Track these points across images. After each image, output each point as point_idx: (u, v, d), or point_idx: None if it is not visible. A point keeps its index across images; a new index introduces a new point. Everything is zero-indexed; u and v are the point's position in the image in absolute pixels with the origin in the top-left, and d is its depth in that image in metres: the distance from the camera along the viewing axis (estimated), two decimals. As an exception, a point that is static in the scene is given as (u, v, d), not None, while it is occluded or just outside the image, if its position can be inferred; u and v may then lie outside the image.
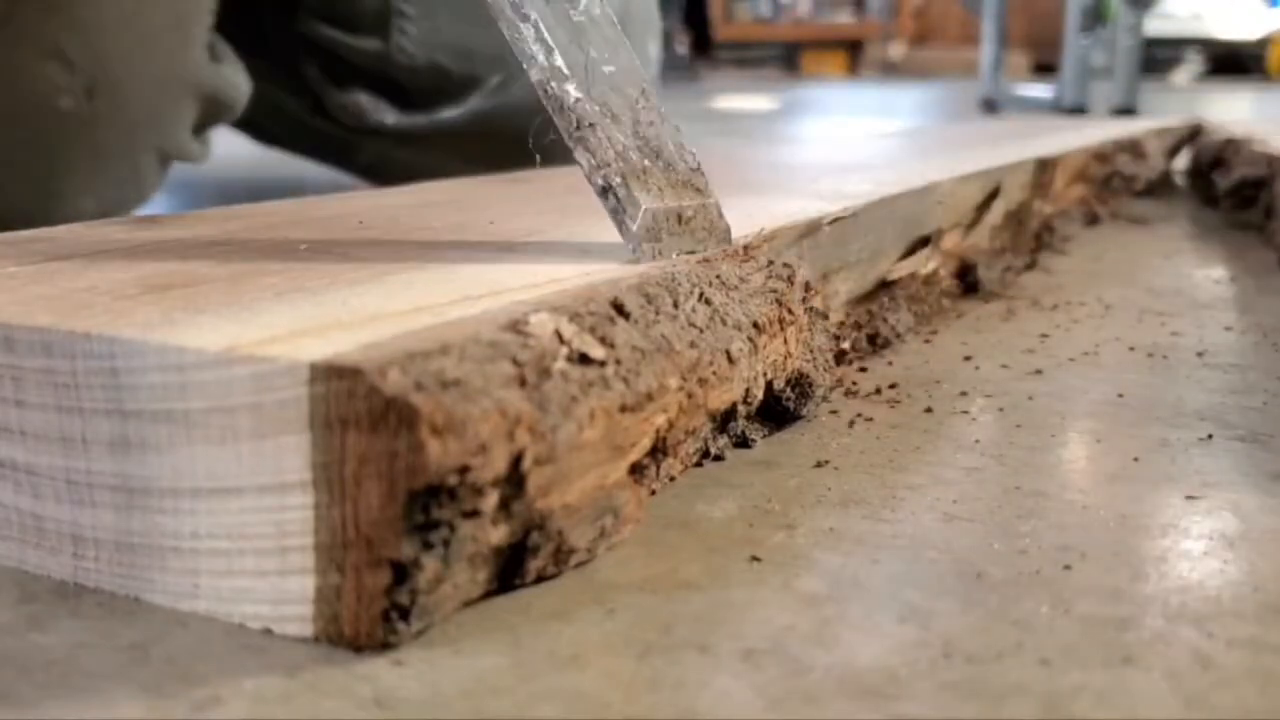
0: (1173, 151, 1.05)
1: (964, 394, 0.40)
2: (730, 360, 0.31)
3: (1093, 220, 0.79)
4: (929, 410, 0.38)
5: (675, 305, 0.30)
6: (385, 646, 0.22)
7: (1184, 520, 0.30)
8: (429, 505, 0.22)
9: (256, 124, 0.84)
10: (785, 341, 0.34)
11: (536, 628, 0.24)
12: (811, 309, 0.36)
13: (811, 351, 0.36)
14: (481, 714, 0.21)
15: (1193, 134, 1.07)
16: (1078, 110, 1.87)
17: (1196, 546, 0.28)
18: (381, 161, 0.84)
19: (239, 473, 0.23)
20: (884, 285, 0.47)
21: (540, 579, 0.25)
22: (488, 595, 0.24)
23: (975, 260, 0.56)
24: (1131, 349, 0.47)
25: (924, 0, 5.14)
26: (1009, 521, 0.29)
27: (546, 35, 0.33)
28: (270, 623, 0.23)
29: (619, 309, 0.27)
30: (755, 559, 0.27)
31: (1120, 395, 0.40)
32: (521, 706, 0.21)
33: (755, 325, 0.32)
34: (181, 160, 0.66)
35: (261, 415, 0.22)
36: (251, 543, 0.23)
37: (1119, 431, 0.36)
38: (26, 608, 0.24)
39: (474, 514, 0.22)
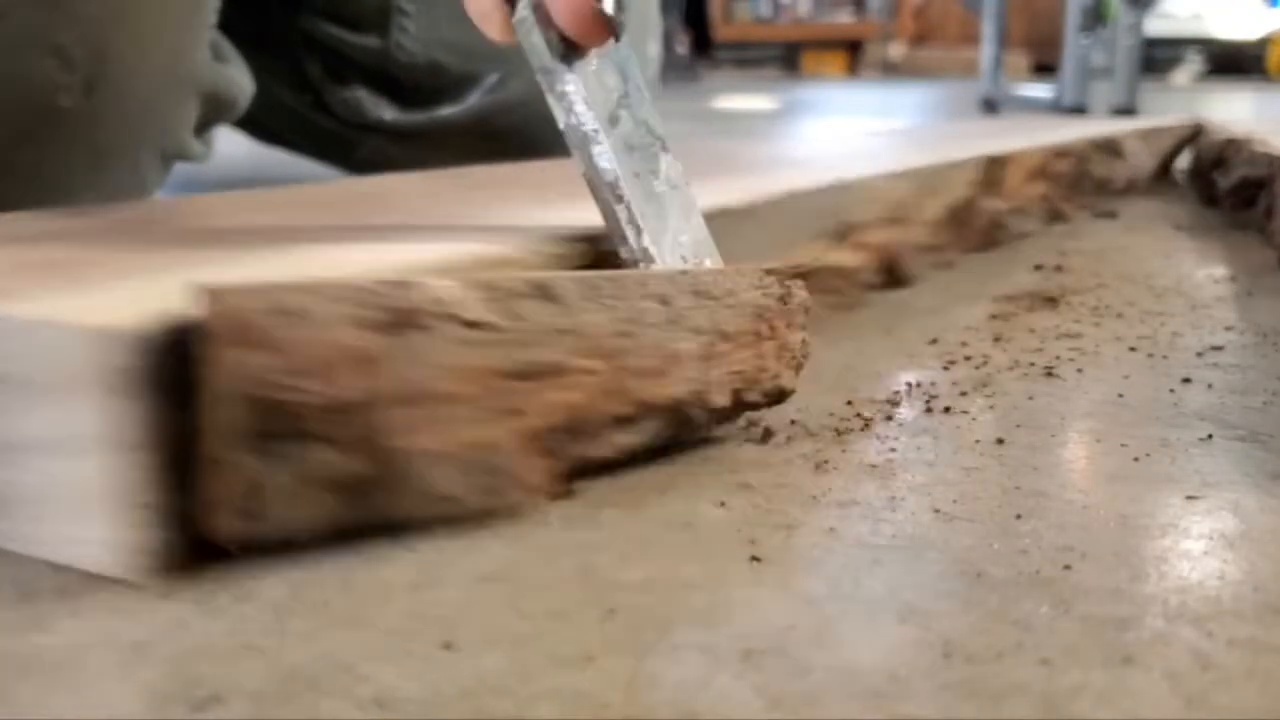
0: (1171, 151, 1.05)
1: (964, 394, 0.40)
2: (673, 358, 0.32)
3: (1057, 218, 0.80)
4: (929, 410, 0.38)
5: (617, 299, 0.31)
6: (235, 550, 0.25)
7: (1184, 520, 0.30)
8: (268, 420, 0.24)
9: (256, 120, 0.84)
10: (761, 356, 0.34)
11: (536, 627, 0.24)
12: (806, 328, 0.36)
13: (797, 369, 0.36)
14: (481, 714, 0.21)
15: (1192, 135, 1.07)
16: (1078, 110, 1.87)
17: (1196, 546, 0.28)
18: (379, 158, 0.84)
19: (71, 423, 0.24)
20: None
21: (419, 521, 0.27)
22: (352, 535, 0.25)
23: (901, 253, 0.58)
24: (1132, 349, 0.47)
25: (924, 0, 5.14)
26: (1009, 521, 0.29)
27: (636, 217, 0.35)
28: (107, 565, 0.25)
29: (543, 290, 0.29)
30: (755, 559, 0.27)
31: (1120, 395, 0.40)
32: (521, 706, 0.21)
33: (722, 333, 0.33)
34: (183, 159, 0.66)
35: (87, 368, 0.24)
36: (90, 489, 0.24)
37: (1119, 431, 0.36)
38: (26, 608, 0.24)
39: (310, 435, 0.24)
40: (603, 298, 0.31)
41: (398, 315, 0.26)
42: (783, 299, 0.35)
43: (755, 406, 0.35)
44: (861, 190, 0.56)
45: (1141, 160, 0.98)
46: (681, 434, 0.34)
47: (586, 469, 0.31)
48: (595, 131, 0.35)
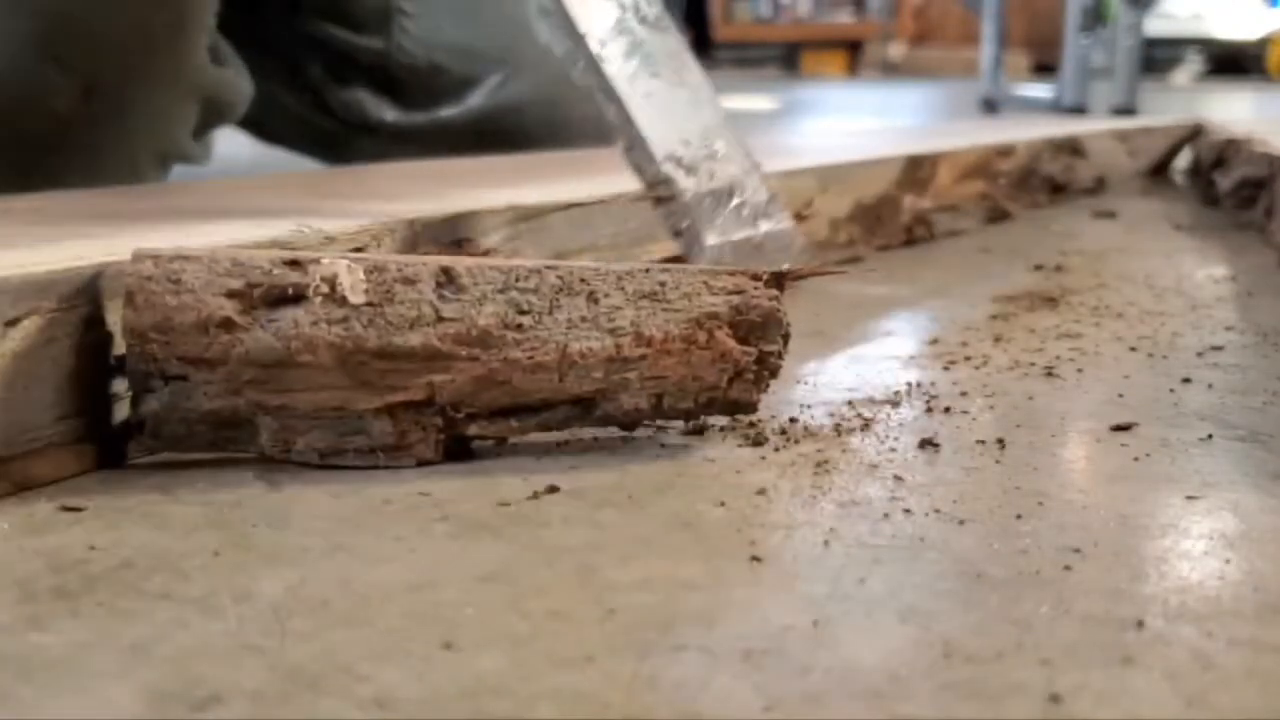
0: (1166, 151, 1.06)
1: (964, 394, 0.40)
2: (570, 357, 0.32)
3: (1000, 216, 0.80)
4: (929, 410, 0.38)
5: (528, 293, 0.32)
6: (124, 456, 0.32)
7: (1184, 520, 0.30)
8: (137, 352, 0.30)
9: (257, 121, 0.84)
10: (689, 364, 0.33)
11: (536, 627, 0.24)
12: (773, 341, 0.34)
13: (756, 383, 0.34)
14: (481, 714, 0.21)
15: (1189, 134, 1.07)
16: (1077, 110, 1.87)
17: (1196, 546, 0.28)
18: (381, 160, 0.84)
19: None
20: None
21: (283, 458, 0.32)
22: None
23: None
24: (1132, 349, 0.47)
25: (924, 0, 5.13)
26: (1009, 521, 0.29)
27: (634, 115, 0.39)
28: None
29: (449, 276, 0.32)
30: (755, 559, 0.27)
31: (1120, 395, 0.40)
32: (521, 706, 0.21)
33: (641, 337, 0.33)
34: (182, 162, 0.67)
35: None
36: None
37: (1119, 432, 0.36)
38: (26, 608, 0.24)
39: (182, 380, 0.31)
40: (511, 289, 0.32)
41: (270, 290, 0.31)
42: (738, 309, 0.34)
43: (692, 415, 0.34)
44: None
45: (1117, 159, 0.98)
46: (600, 426, 0.34)
47: (484, 438, 0.33)
48: (590, 47, 0.38)
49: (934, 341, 0.48)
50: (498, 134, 0.80)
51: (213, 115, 0.67)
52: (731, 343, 0.34)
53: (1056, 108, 1.93)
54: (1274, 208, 0.71)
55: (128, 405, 0.31)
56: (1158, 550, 0.28)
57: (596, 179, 0.53)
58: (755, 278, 0.35)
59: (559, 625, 0.24)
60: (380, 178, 0.56)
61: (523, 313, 0.32)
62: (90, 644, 0.23)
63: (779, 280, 0.35)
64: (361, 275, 0.31)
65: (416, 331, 0.31)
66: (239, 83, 0.68)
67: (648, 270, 0.34)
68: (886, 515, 0.30)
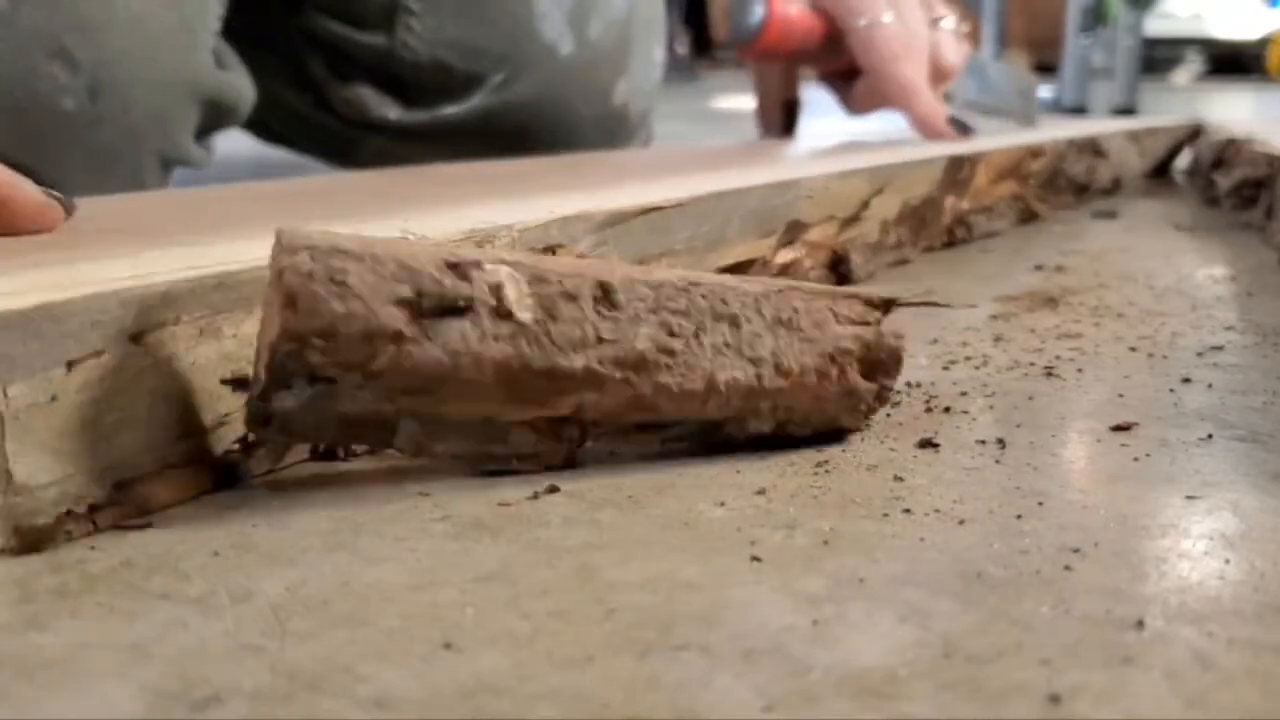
0: (1168, 151, 1.06)
1: (964, 394, 0.40)
2: (715, 385, 0.32)
3: (1030, 217, 0.80)
4: (929, 410, 0.38)
5: (679, 315, 0.32)
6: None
7: (1184, 520, 0.30)
8: (292, 355, 0.28)
9: (258, 119, 0.84)
10: (820, 399, 0.34)
11: (536, 627, 0.24)
12: (890, 375, 0.35)
13: (866, 414, 0.36)
14: (481, 714, 0.21)
15: (1191, 135, 1.07)
16: (1078, 110, 1.87)
17: (1196, 546, 0.28)
18: (383, 158, 0.84)
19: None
20: (724, 273, 0.48)
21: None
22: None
23: (848, 252, 0.59)
24: (1132, 349, 0.47)
25: (924, 0, 5.12)
26: (1009, 521, 0.29)
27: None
28: None
29: (606, 292, 0.31)
30: (755, 559, 0.27)
31: (1120, 395, 0.40)
32: (521, 706, 0.21)
33: (780, 368, 0.33)
34: (183, 165, 0.66)
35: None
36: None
37: (1119, 432, 0.36)
38: (26, 608, 0.24)
39: (332, 383, 0.28)
40: (661, 309, 0.32)
41: (441, 300, 0.29)
42: (868, 346, 0.35)
43: (800, 435, 0.35)
44: (807, 189, 0.56)
45: (1129, 159, 0.98)
46: (718, 445, 0.34)
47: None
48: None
49: (934, 341, 0.48)
50: (501, 133, 0.80)
51: (215, 118, 0.67)
52: (861, 380, 0.35)
53: (1057, 108, 1.93)
54: (1274, 208, 0.71)
55: (244, 415, 0.30)
56: (1158, 550, 0.28)
57: (668, 182, 0.52)
58: (870, 303, 0.35)
59: (559, 625, 0.24)
60: (438, 182, 0.55)
61: (673, 335, 0.32)
62: (90, 644, 0.23)
63: (887, 306, 0.36)
64: (525, 287, 0.30)
65: (580, 354, 0.30)
66: (242, 86, 0.68)
67: (780, 291, 0.34)
68: (886, 515, 0.30)
